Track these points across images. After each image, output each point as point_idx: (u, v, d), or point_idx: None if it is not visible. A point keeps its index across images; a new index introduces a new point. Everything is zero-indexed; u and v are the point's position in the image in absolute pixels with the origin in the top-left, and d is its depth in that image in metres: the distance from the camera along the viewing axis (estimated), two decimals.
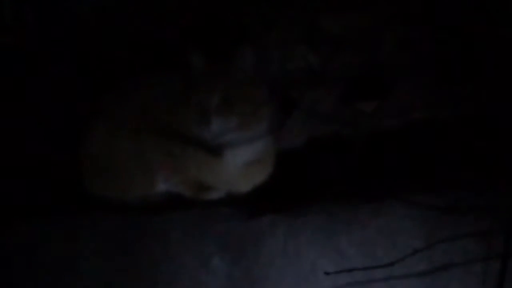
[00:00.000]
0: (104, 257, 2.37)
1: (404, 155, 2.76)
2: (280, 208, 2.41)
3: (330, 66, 2.92)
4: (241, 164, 2.55)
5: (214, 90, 2.46)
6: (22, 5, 3.02)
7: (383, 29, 2.95)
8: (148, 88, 2.64)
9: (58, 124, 3.00)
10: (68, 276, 2.37)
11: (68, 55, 3.03)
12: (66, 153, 2.82)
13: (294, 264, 2.31)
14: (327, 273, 2.23)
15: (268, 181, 2.64)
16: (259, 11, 2.97)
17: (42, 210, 2.56)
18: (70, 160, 2.74)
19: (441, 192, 2.32)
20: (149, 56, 2.76)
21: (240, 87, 2.48)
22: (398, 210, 2.31)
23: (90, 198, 2.65)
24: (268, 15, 3.00)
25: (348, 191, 2.50)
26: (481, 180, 2.30)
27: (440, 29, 2.90)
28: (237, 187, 2.59)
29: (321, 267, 2.29)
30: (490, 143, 2.55)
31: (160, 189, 2.62)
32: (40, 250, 2.39)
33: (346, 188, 2.52)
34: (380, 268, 2.19)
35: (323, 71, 2.93)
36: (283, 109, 2.85)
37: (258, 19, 2.97)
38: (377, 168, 2.72)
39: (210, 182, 2.58)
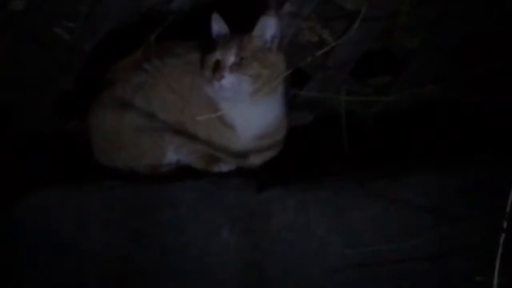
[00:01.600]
0: (114, 226, 2.37)
1: (415, 133, 2.76)
2: (290, 182, 2.40)
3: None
4: (253, 137, 2.55)
5: (231, 50, 2.46)
6: None
7: (397, 5, 2.94)
8: (160, 58, 2.62)
9: (68, 94, 3.01)
10: (80, 244, 2.37)
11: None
12: (76, 123, 2.82)
13: (303, 239, 2.30)
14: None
15: (278, 156, 2.64)
16: None
17: (54, 179, 2.55)
18: (80, 130, 2.74)
19: (453, 170, 2.31)
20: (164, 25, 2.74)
21: (259, 52, 2.48)
22: (409, 186, 2.30)
23: (100, 167, 2.66)
24: None
25: (358, 167, 2.50)
26: (495, 160, 2.29)
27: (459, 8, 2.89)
28: (247, 161, 2.59)
29: (330, 242, 2.28)
30: (503, 124, 2.55)
31: (170, 159, 2.62)
32: (52, 219, 2.40)
33: (356, 164, 2.52)
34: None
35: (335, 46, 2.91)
36: (294, 83, 2.84)
37: None
38: (389, 145, 2.72)
39: (220, 154, 2.57)
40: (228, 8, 2.67)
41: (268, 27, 2.49)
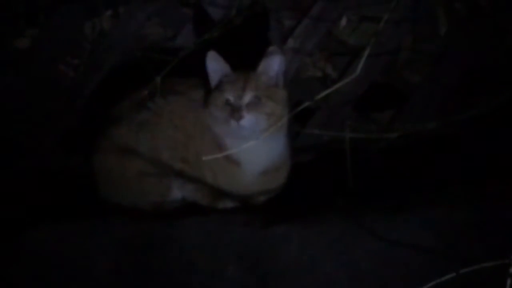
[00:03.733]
0: (118, 263, 2.35)
1: (420, 167, 2.76)
2: (295, 218, 2.40)
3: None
4: (258, 173, 2.56)
5: (246, 89, 2.46)
6: (35, 9, 3.01)
7: (400, 40, 2.96)
8: (162, 96, 2.62)
9: (74, 129, 3.01)
10: (82, 280, 2.35)
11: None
12: (81, 158, 2.82)
13: (309, 275, 2.28)
14: None
15: (283, 192, 2.64)
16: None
17: (58, 214, 2.55)
18: (85, 165, 2.74)
19: (459, 206, 2.31)
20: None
21: (270, 89, 2.49)
22: (415, 223, 2.29)
23: (105, 204, 2.66)
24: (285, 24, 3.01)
25: (363, 202, 2.50)
26: (500, 194, 2.29)
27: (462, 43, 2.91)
28: (253, 197, 2.59)
29: (336, 278, 2.27)
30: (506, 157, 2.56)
31: (175, 196, 2.62)
32: (56, 256, 2.38)
33: (361, 200, 2.52)
34: None
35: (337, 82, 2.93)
36: (298, 118, 2.85)
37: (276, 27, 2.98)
38: (393, 181, 2.71)
39: (226, 190, 2.57)
40: (230, 44, 2.69)
41: (274, 64, 2.50)
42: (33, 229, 2.44)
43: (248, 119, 2.43)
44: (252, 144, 2.36)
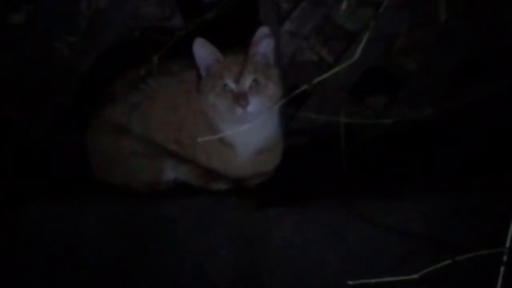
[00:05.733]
0: (110, 243, 2.35)
1: (415, 154, 2.76)
2: (287, 201, 2.40)
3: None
4: (253, 152, 2.55)
5: (245, 73, 2.44)
6: None
7: (397, 27, 2.95)
8: (154, 77, 2.62)
9: (67, 107, 3.00)
10: (74, 260, 2.34)
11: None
12: (76, 136, 2.81)
13: (301, 258, 2.28)
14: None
15: (276, 175, 2.64)
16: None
17: (50, 194, 2.54)
18: (79, 143, 2.74)
19: (451, 194, 2.31)
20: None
21: (266, 70, 2.48)
22: (407, 210, 2.29)
23: (97, 182, 2.66)
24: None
25: (356, 188, 2.50)
26: (495, 182, 2.30)
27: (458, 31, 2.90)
28: (246, 179, 2.59)
29: (328, 261, 2.27)
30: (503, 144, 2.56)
31: (168, 177, 2.62)
32: (47, 234, 2.37)
33: (354, 185, 2.52)
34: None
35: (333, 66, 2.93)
36: (292, 101, 2.85)
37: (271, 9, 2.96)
38: (388, 166, 2.72)
39: (220, 172, 2.57)
40: (222, 26, 2.68)
41: (266, 44, 2.50)
42: (22, 206, 2.42)
43: (253, 104, 2.41)
44: (247, 127, 2.36)
